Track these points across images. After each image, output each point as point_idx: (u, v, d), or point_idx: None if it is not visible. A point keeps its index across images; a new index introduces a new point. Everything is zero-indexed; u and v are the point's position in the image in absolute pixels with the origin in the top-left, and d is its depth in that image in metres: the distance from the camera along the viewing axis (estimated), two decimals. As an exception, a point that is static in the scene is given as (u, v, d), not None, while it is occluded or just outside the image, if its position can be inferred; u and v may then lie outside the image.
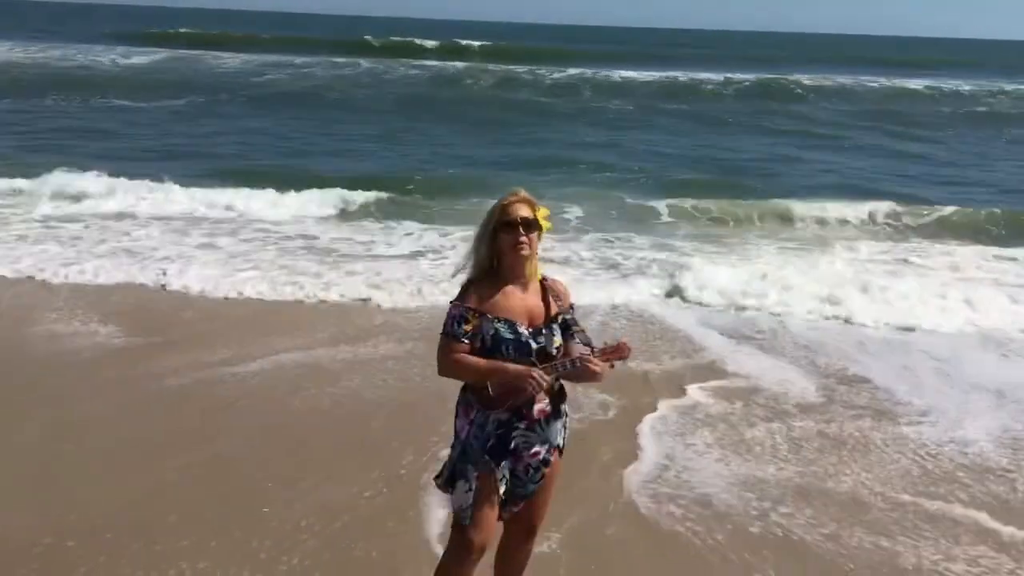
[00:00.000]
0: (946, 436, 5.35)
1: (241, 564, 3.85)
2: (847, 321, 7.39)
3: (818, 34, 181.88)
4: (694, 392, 5.84)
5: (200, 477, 4.63)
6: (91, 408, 5.40)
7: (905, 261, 9.69)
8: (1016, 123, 24.73)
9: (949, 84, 34.19)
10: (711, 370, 6.28)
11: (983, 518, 4.40)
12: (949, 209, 12.15)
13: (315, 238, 9.81)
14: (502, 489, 3.05)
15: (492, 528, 3.06)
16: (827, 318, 7.44)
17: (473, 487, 3.02)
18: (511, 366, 2.96)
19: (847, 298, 7.73)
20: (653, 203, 12.24)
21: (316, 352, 6.40)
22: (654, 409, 5.52)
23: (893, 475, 4.82)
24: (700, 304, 7.66)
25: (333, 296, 7.64)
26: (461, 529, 3.04)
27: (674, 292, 7.87)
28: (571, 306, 3.16)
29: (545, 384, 2.92)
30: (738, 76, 33.18)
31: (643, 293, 7.91)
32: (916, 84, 33.81)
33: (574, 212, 11.39)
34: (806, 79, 32.96)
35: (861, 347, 6.90)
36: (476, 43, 48.18)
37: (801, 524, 4.28)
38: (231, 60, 34.24)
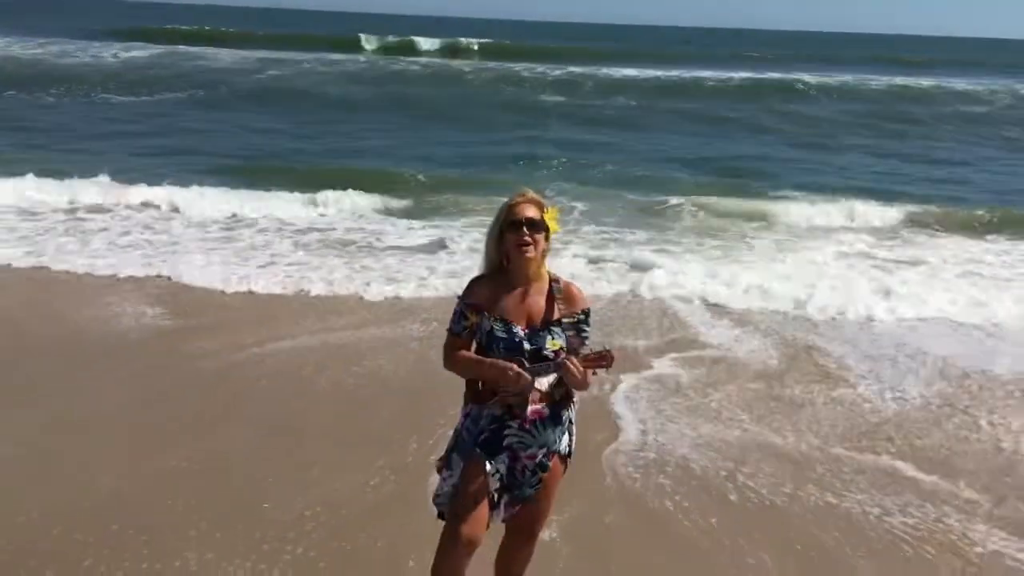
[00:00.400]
0: (881, 396, 6.12)
1: (245, 555, 4.02)
2: (826, 309, 8.04)
3: (817, 32, 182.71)
4: (668, 363, 6.54)
5: (210, 466, 4.82)
6: (115, 395, 5.74)
7: (893, 257, 10.27)
8: (1014, 122, 25.41)
9: (950, 83, 34.90)
10: (688, 343, 7.02)
11: (907, 468, 5.09)
12: (941, 207, 12.79)
13: (331, 230, 10.43)
14: (495, 485, 3.11)
15: (480, 521, 3.08)
16: (808, 306, 8.06)
17: (456, 477, 3.12)
18: (490, 361, 3.08)
19: (830, 290, 8.37)
20: (653, 199, 12.82)
21: (344, 334, 6.95)
22: (635, 378, 6.19)
23: (829, 431, 5.53)
24: (684, 296, 8.26)
25: (357, 284, 8.21)
26: (450, 522, 3.11)
27: (659, 287, 8.43)
28: (584, 311, 3.21)
29: (524, 378, 3.01)
30: (740, 74, 33.86)
31: (634, 283, 8.52)
32: (908, 82, 34.57)
33: (575, 206, 11.99)
34: (807, 77, 33.65)
35: (832, 327, 7.63)
36: (476, 41, 48.49)
37: (765, 484, 4.83)
38: (228, 56, 34.90)
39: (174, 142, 16.79)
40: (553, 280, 3.20)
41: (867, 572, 4.09)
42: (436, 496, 3.18)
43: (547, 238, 3.14)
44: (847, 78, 34.94)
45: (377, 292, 8.08)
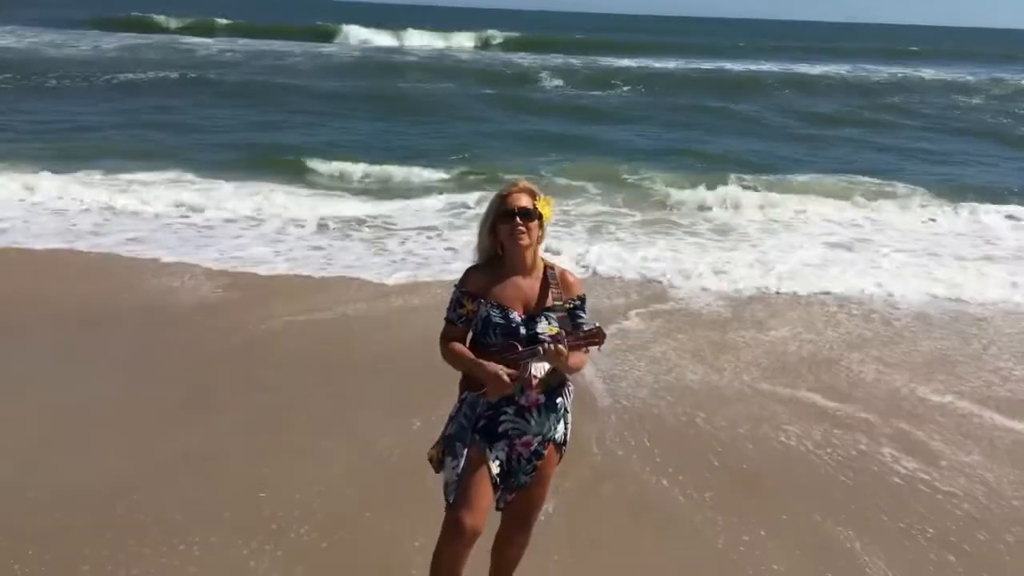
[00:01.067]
0: (805, 339, 7.49)
1: (251, 535, 4.18)
2: (777, 280, 9.18)
3: (808, 22, 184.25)
4: (633, 318, 7.79)
5: (215, 448, 5.01)
6: (145, 368, 6.25)
7: (865, 239, 11.45)
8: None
9: (955, 74, 36.56)
10: (654, 299, 8.42)
11: (819, 399, 6.25)
12: (913, 191, 14.07)
13: (346, 216, 11.36)
14: (496, 471, 3.25)
15: (483, 510, 3.19)
16: (757, 278, 9.22)
17: (460, 465, 3.23)
18: (486, 366, 3.18)
19: (796, 273, 9.45)
20: (648, 183, 14.07)
21: (376, 304, 7.83)
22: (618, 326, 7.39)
23: (756, 370, 6.75)
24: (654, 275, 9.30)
25: (375, 265, 9.19)
26: (452, 510, 3.20)
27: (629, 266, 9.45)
28: (579, 297, 3.37)
29: (508, 387, 3.16)
30: (738, 67, 35.45)
31: (617, 260, 9.62)
32: (906, 71, 36.31)
33: (566, 193, 13.10)
34: (804, 68, 35.27)
35: (789, 296, 8.77)
36: (466, 35, 49.08)
37: (724, 428, 5.64)
38: (215, 46, 36.54)
39: (176, 132, 17.79)
40: (548, 267, 3.37)
41: (826, 525, 4.66)
42: (445, 486, 3.29)
43: (541, 226, 3.30)
44: (844, 69, 36.64)
45: (394, 272, 8.93)
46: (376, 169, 14.47)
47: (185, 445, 5.09)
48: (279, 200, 12.01)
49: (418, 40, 46.47)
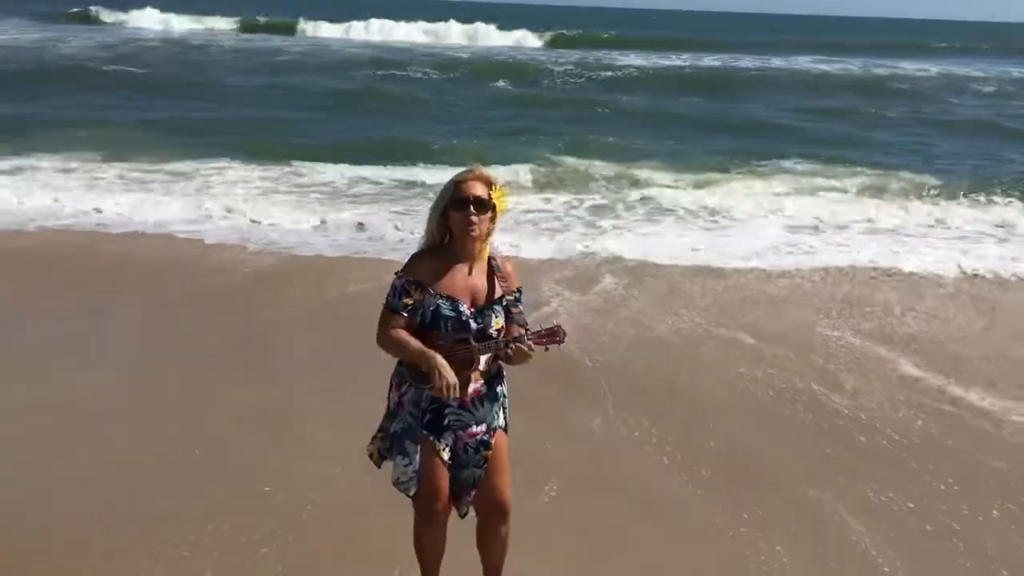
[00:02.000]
0: (748, 287, 9.03)
1: (263, 518, 4.37)
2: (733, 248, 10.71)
3: (820, 16, 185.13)
4: (608, 279, 9.05)
5: (221, 439, 5.21)
6: (173, 346, 6.77)
7: (836, 225, 12.78)
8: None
9: (962, 70, 38.10)
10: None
11: (745, 337, 7.58)
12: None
13: (377, 211, 12.37)
14: (446, 456, 3.39)
15: (445, 491, 3.40)
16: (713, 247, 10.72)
17: (414, 461, 3.38)
18: (434, 359, 3.23)
19: (757, 250, 10.92)
20: (648, 174, 15.41)
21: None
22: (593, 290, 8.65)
23: (704, 313, 8.16)
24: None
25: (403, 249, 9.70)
26: (420, 502, 3.41)
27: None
28: (518, 289, 3.45)
29: (453, 393, 3.23)
30: (742, 63, 37.18)
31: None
32: (904, 67, 37.72)
33: (568, 184, 14.23)
34: (811, 64, 36.90)
35: (733, 270, 9.91)
36: (460, 28, 50.39)
37: (708, 389, 6.44)
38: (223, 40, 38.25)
39: (204, 126, 18.90)
40: (491, 258, 3.43)
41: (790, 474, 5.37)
42: (398, 482, 3.44)
43: (493, 218, 3.35)
44: (850, 64, 38.26)
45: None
46: (388, 169, 15.61)
47: (191, 437, 5.28)
48: (319, 195, 13.39)
49: (420, 37, 47.93)
